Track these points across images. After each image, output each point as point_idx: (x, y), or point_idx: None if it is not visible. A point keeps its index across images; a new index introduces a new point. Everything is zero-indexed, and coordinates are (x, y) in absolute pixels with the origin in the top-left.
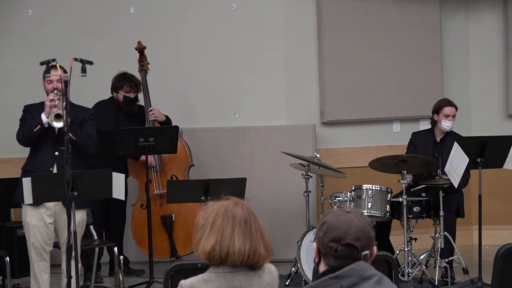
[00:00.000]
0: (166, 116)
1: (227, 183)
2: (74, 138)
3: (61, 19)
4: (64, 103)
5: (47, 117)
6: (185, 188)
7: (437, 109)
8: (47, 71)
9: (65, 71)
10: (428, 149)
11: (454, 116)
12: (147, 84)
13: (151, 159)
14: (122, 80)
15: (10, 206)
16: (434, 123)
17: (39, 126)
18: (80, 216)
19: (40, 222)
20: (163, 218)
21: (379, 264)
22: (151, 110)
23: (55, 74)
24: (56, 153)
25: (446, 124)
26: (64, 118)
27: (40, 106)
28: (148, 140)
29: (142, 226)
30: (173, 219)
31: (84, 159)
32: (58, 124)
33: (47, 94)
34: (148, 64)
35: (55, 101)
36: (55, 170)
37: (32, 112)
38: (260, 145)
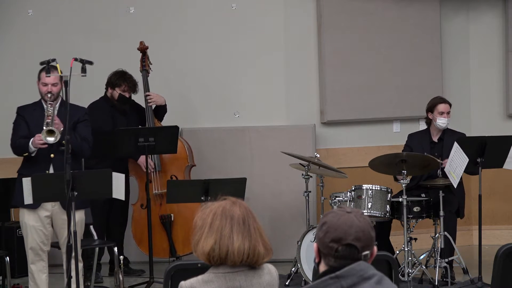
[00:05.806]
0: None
1: (227, 183)
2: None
3: (61, 19)
4: (55, 111)
5: (35, 147)
6: (185, 188)
7: (431, 107)
8: (47, 70)
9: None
10: (425, 149)
11: (448, 113)
12: (148, 84)
13: (150, 162)
14: (121, 79)
15: (10, 206)
16: (429, 122)
17: (26, 153)
18: (79, 216)
19: (38, 223)
20: (162, 218)
21: (379, 264)
22: (148, 95)
23: (54, 75)
24: (52, 155)
25: (441, 122)
26: (67, 120)
27: (33, 108)
28: (148, 140)
29: (142, 226)
30: (172, 219)
31: (81, 160)
32: (51, 139)
33: (41, 96)
34: (151, 64)
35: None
36: (51, 172)
37: (25, 116)
38: (260, 145)
